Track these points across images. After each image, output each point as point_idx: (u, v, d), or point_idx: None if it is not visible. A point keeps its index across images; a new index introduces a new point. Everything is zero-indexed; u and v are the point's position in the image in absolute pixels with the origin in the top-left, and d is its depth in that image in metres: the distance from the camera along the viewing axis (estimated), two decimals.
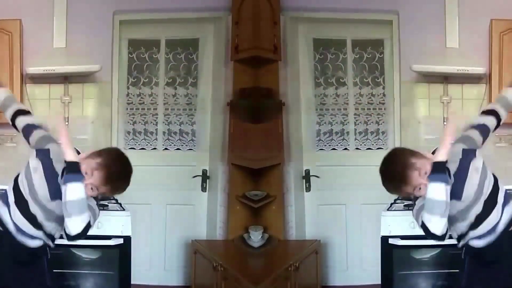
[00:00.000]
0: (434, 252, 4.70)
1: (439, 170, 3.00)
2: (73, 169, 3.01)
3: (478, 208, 3.11)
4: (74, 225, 2.99)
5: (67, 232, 3.03)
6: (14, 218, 3.11)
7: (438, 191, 2.98)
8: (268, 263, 4.50)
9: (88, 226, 3.04)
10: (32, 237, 3.13)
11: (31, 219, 3.11)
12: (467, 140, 3.16)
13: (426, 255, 4.72)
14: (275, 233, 4.97)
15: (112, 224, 4.75)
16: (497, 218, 3.11)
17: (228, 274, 4.06)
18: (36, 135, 3.19)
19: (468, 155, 3.11)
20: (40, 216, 3.11)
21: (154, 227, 5.35)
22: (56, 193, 3.07)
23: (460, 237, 3.21)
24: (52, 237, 3.21)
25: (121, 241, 4.71)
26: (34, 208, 3.11)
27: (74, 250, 4.66)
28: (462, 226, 3.15)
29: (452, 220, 3.12)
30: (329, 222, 5.36)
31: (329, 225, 5.36)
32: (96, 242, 4.66)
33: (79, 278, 4.66)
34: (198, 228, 5.33)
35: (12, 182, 3.18)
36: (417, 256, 4.73)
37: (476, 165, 3.11)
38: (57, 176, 3.10)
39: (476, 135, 3.17)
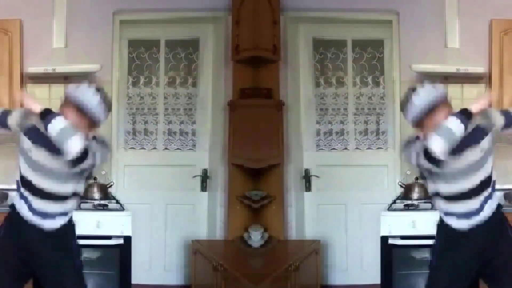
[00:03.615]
0: None
1: (463, 112, 3.30)
2: (48, 112, 3.33)
3: (463, 185, 3.35)
4: (73, 144, 3.24)
5: (69, 156, 3.26)
6: (36, 207, 3.36)
7: (453, 123, 3.25)
8: (268, 263, 4.50)
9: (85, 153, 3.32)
10: (55, 216, 3.39)
11: (50, 196, 3.37)
12: (485, 117, 3.37)
13: (426, 255, 4.71)
14: (275, 233, 4.97)
15: (112, 224, 4.76)
16: (476, 206, 3.36)
17: (228, 274, 4.07)
18: (14, 115, 3.41)
19: (478, 131, 3.35)
20: (57, 186, 3.37)
21: (154, 227, 5.35)
22: (58, 151, 3.30)
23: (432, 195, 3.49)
24: (78, 196, 3.49)
25: (121, 241, 4.71)
26: (49, 183, 3.35)
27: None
28: (440, 186, 3.39)
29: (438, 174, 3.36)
30: (329, 222, 5.37)
31: (329, 225, 5.36)
32: (96, 242, 4.67)
33: None
34: (198, 228, 5.33)
35: (19, 179, 3.43)
36: (417, 256, 4.74)
37: (482, 145, 3.34)
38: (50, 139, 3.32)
39: (497, 116, 3.39)
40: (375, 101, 5.42)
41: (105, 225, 4.73)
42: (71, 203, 3.46)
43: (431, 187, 3.48)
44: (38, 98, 5.15)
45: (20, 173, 3.42)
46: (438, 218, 3.52)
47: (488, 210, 3.38)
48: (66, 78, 5.18)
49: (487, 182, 3.40)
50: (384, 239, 4.73)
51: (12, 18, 4.99)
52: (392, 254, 4.72)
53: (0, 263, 3.39)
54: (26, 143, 3.37)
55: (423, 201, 4.89)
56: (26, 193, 3.39)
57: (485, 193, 3.39)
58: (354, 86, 5.43)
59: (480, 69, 4.96)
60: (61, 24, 5.15)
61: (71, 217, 3.50)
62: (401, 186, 5.04)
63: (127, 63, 5.42)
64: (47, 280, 3.44)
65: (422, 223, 4.69)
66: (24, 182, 3.41)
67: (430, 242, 4.55)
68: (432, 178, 3.44)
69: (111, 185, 5.06)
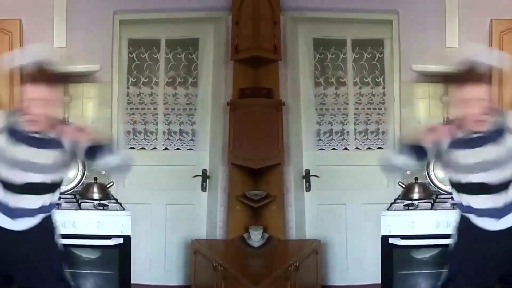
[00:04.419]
0: (434, 252, 4.71)
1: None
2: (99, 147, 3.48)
3: (483, 177, 3.29)
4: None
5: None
6: (9, 205, 3.29)
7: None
8: (268, 263, 4.50)
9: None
10: (32, 212, 3.32)
11: (27, 189, 3.29)
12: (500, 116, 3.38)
13: (426, 255, 4.72)
14: (275, 233, 4.97)
15: (112, 224, 4.76)
16: (499, 205, 3.29)
17: (228, 274, 4.06)
18: None
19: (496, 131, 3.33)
20: (35, 177, 3.30)
21: (154, 227, 5.35)
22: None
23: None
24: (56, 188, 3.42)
25: (121, 241, 4.71)
26: (26, 176, 3.28)
27: (74, 250, 4.66)
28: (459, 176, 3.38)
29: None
30: (329, 222, 5.37)
31: (329, 225, 5.36)
32: (96, 242, 4.67)
33: (79, 278, 4.66)
34: (198, 228, 5.33)
35: None
36: (417, 256, 4.74)
37: (506, 144, 3.30)
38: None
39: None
40: (375, 101, 5.42)
41: (105, 225, 4.72)
42: (48, 197, 3.36)
43: (452, 176, 3.43)
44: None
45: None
46: (457, 219, 3.46)
47: None
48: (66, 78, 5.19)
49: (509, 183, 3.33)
50: (384, 239, 4.73)
51: (12, 18, 4.99)
52: (392, 254, 4.71)
53: None
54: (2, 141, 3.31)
55: (423, 201, 4.89)
56: None
57: (509, 194, 3.32)
58: (354, 86, 5.43)
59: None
60: (61, 24, 5.15)
61: (50, 217, 3.41)
62: (401, 186, 5.04)
63: (127, 63, 5.42)
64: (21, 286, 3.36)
65: (422, 223, 4.69)
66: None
67: (430, 242, 4.60)
68: (452, 167, 3.39)
69: (111, 185, 5.06)
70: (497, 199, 3.31)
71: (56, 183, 3.41)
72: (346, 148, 5.43)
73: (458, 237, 3.43)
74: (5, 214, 3.31)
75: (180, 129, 5.44)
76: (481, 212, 3.33)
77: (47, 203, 3.37)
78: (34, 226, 3.34)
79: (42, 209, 3.35)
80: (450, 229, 3.64)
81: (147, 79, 5.44)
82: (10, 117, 3.38)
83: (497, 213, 3.31)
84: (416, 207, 4.88)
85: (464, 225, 3.40)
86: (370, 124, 5.42)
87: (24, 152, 3.29)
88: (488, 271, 3.30)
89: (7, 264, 3.32)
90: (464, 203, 3.38)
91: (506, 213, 3.31)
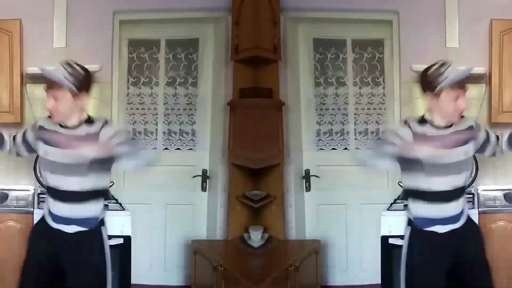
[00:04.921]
0: None
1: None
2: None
3: (444, 183, 3.44)
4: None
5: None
6: (59, 213, 3.45)
7: None
8: (268, 263, 4.50)
9: None
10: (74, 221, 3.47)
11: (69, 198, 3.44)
12: (478, 129, 3.59)
13: None
14: (275, 233, 4.97)
15: (112, 224, 4.74)
16: (457, 211, 3.49)
17: (228, 274, 4.07)
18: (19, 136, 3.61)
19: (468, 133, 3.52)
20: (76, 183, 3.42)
21: (154, 227, 5.35)
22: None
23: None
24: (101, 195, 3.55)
25: (121, 241, 4.71)
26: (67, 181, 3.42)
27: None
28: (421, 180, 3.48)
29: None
30: (329, 222, 5.37)
31: (329, 225, 5.36)
32: None
33: None
34: (198, 228, 5.33)
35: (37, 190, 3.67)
36: None
37: (467, 148, 3.49)
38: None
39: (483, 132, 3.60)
40: (375, 101, 5.42)
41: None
42: (92, 206, 3.49)
43: (409, 182, 3.55)
44: (38, 98, 5.17)
45: (46, 183, 3.53)
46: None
47: (464, 217, 3.52)
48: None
49: (463, 189, 3.53)
50: (384, 239, 4.73)
51: (12, 18, 4.99)
52: (392, 254, 4.72)
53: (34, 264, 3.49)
54: (41, 148, 3.48)
55: None
56: (49, 199, 3.50)
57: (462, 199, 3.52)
58: (354, 86, 5.43)
59: (480, 69, 4.96)
60: (61, 24, 5.15)
61: (97, 222, 3.54)
62: (401, 186, 5.03)
63: (127, 63, 5.42)
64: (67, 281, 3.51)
65: None
66: (48, 189, 3.51)
67: None
68: (414, 170, 3.47)
69: (111, 185, 5.05)
70: (453, 206, 3.49)
71: (97, 190, 3.53)
72: (346, 148, 5.43)
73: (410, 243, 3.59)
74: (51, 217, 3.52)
75: (180, 129, 5.44)
76: (438, 220, 3.50)
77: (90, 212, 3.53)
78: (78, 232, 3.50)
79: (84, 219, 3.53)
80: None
81: (147, 79, 5.44)
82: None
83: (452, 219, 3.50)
84: None
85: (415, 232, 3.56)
86: (370, 124, 5.42)
87: (61, 155, 3.44)
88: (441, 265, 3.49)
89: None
90: (419, 211, 3.53)
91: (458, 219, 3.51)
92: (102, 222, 3.56)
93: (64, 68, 3.45)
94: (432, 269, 3.47)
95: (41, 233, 3.52)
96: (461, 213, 3.51)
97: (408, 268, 3.56)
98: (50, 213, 3.48)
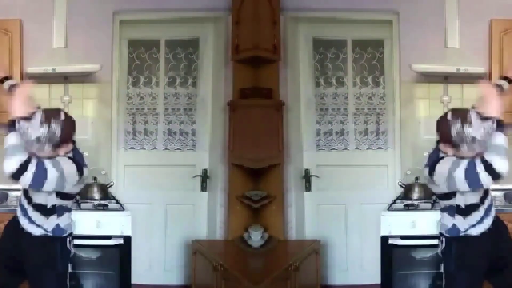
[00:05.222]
0: (434, 252, 4.70)
1: (499, 124, 3.52)
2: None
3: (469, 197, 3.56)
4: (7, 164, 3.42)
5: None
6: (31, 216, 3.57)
7: (502, 138, 3.52)
8: (268, 263, 4.50)
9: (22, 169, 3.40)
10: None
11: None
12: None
13: (426, 255, 4.72)
14: (275, 233, 4.97)
15: (112, 224, 4.76)
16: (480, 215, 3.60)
17: (228, 274, 4.07)
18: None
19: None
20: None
21: (154, 227, 5.35)
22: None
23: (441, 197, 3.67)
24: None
25: (121, 241, 4.71)
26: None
27: (74, 250, 4.66)
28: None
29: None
30: (329, 222, 5.37)
31: (329, 225, 5.36)
32: (96, 242, 4.67)
33: (79, 278, 4.65)
34: (198, 228, 5.33)
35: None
36: (417, 256, 4.73)
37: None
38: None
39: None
40: (375, 101, 5.42)
41: (105, 225, 4.72)
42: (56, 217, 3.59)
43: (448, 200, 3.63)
44: (38, 98, 5.16)
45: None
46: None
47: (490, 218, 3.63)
48: (66, 78, 5.19)
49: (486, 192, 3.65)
50: (384, 239, 4.73)
51: (12, 18, 4.99)
52: (392, 254, 4.72)
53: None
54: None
55: (423, 201, 4.89)
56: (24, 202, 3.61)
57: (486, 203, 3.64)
58: (354, 86, 5.43)
59: (480, 69, 4.96)
60: (61, 24, 5.14)
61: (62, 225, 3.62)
62: (401, 186, 5.04)
63: (127, 63, 5.42)
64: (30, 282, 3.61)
65: (422, 223, 4.69)
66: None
67: (430, 242, 4.59)
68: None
69: (111, 185, 5.06)
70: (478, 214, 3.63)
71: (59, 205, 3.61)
72: (346, 148, 5.43)
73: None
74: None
75: (180, 129, 5.44)
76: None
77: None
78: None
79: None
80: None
81: (147, 79, 5.44)
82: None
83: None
84: (416, 207, 4.88)
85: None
86: (370, 124, 5.42)
87: None
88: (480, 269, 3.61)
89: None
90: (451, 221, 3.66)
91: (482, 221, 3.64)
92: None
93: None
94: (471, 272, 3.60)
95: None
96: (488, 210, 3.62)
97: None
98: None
